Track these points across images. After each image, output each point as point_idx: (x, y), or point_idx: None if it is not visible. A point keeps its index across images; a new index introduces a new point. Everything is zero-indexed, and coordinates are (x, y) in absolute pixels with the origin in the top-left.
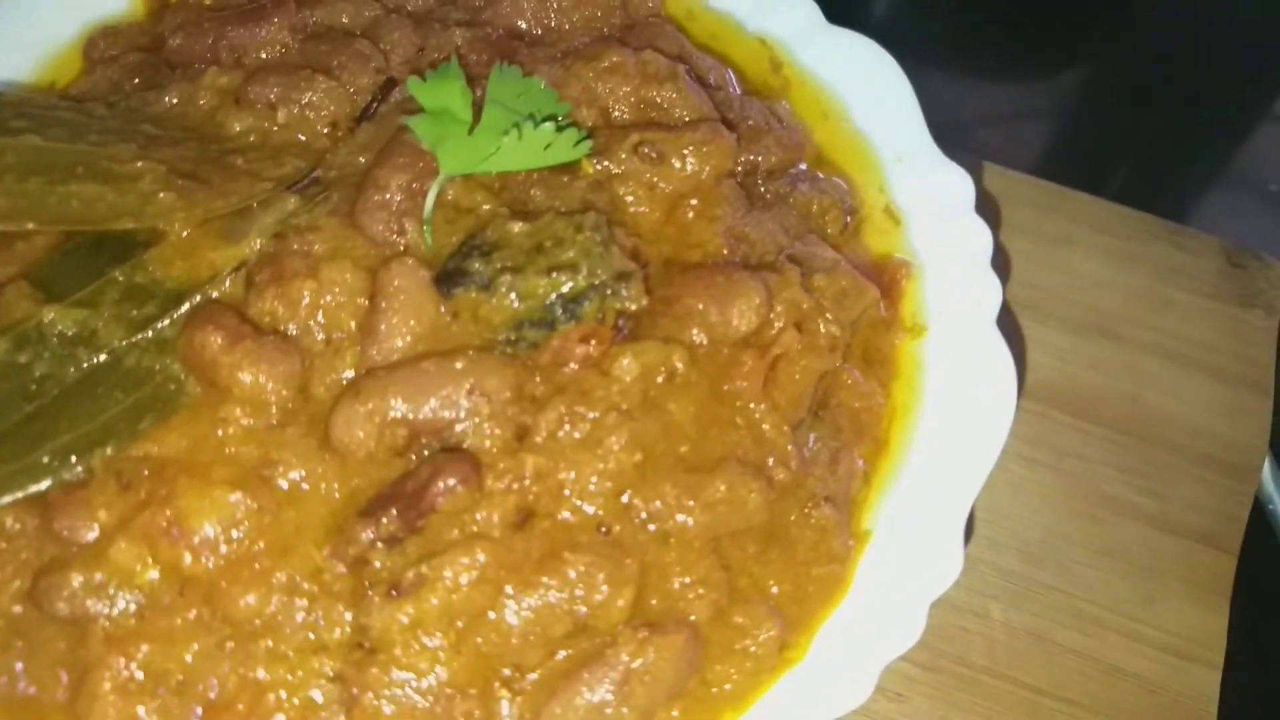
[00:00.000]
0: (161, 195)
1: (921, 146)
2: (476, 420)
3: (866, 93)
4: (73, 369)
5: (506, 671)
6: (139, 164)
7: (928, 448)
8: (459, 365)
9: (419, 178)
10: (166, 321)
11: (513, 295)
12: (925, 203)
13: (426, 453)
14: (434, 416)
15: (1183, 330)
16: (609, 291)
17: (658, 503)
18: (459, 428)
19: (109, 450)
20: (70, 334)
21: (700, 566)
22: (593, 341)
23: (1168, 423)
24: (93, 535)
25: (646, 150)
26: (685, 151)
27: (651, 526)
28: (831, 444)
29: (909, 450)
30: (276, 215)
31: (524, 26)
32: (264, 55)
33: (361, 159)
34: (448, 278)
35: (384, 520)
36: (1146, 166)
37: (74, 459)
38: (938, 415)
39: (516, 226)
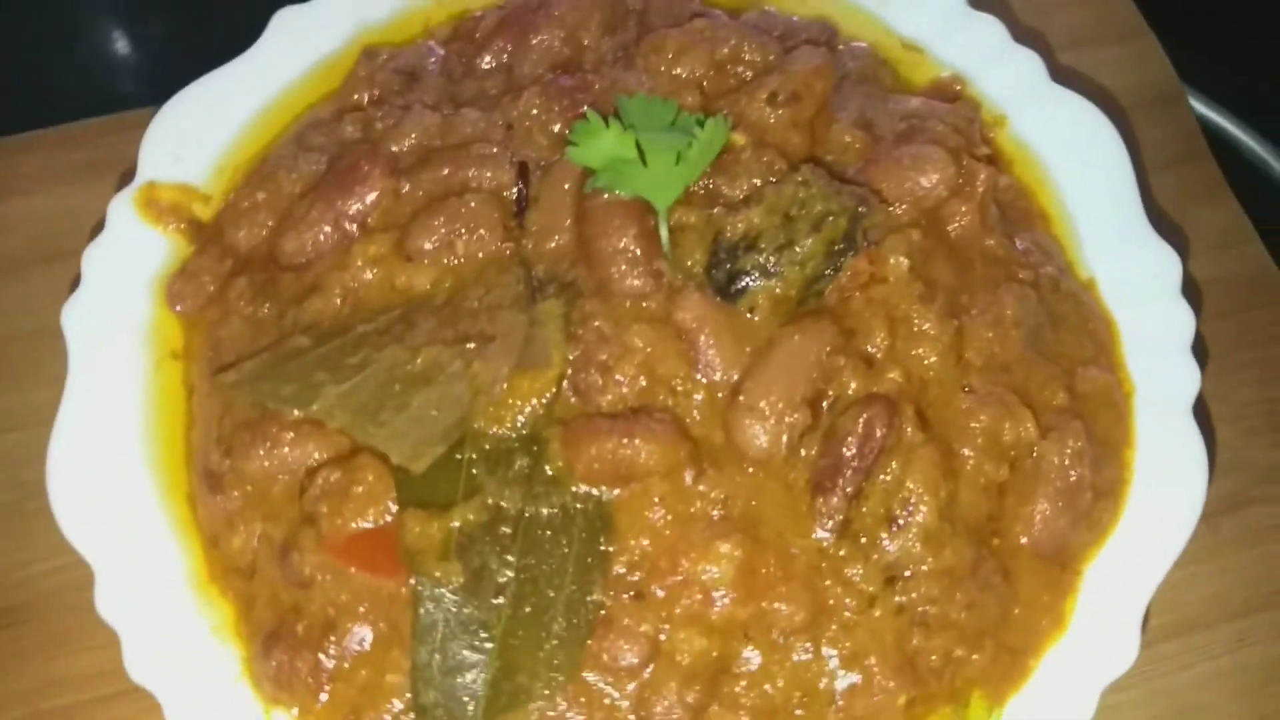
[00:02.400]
0: (474, 367)
1: None
2: (839, 371)
3: None
4: (511, 550)
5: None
6: (419, 359)
7: (1077, 195)
8: (797, 339)
9: (637, 225)
10: (542, 465)
11: (798, 266)
12: (923, 21)
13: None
14: (815, 389)
15: (1073, 38)
16: (861, 218)
17: (984, 346)
18: (832, 387)
19: (598, 580)
20: (486, 522)
21: (1040, 368)
22: (866, 261)
23: (1119, 94)
24: (644, 651)
25: (781, 98)
26: (808, 81)
27: (990, 364)
28: (1024, 236)
29: (1066, 206)
30: (552, 326)
31: (565, 55)
32: (378, 207)
33: (553, 241)
34: (728, 284)
35: (845, 484)
36: None
37: (583, 609)
38: (1065, 171)
39: (754, 214)
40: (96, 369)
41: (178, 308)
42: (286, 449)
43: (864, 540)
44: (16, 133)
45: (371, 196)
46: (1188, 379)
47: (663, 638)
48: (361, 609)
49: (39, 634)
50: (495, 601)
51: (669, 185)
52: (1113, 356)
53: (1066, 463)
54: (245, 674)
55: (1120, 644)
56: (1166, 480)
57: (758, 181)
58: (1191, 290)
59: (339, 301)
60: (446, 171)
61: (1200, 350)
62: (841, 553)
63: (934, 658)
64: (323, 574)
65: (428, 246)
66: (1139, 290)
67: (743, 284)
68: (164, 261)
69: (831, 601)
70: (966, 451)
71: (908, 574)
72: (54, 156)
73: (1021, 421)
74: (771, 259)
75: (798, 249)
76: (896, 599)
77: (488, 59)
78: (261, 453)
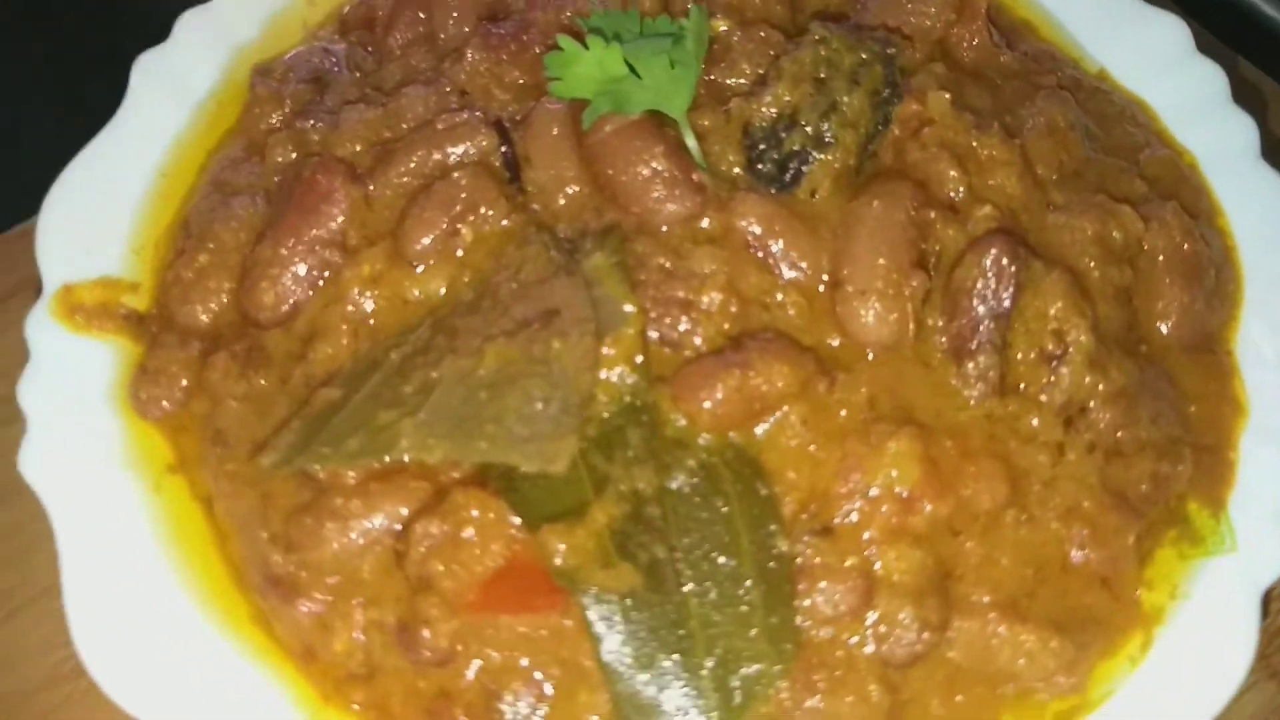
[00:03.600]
0: (555, 346)
1: None
2: (931, 226)
3: None
4: (670, 532)
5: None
6: (487, 360)
7: None
8: (877, 205)
9: (660, 142)
10: (660, 431)
11: (851, 128)
12: None
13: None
14: (919, 250)
15: None
16: (893, 59)
17: (1051, 156)
18: (930, 244)
19: (775, 529)
20: (630, 512)
21: (1107, 164)
22: (914, 102)
23: None
24: (859, 585)
25: None
26: None
27: (1063, 173)
28: (1022, 47)
29: (1047, 9)
30: (610, 281)
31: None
32: (353, 221)
33: (563, 195)
34: (780, 173)
35: (989, 336)
36: None
37: (774, 565)
38: None
39: (780, 90)
40: (86, 516)
41: (154, 415)
42: (362, 518)
43: (1026, 389)
44: None
45: (341, 211)
46: (1242, 128)
47: (878, 566)
48: (524, 663)
49: None
50: (684, 590)
51: (676, 91)
52: (1161, 134)
53: (1178, 241)
54: None
55: None
56: (1270, 231)
57: (759, 63)
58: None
59: (349, 339)
60: (417, 157)
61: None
62: (1010, 409)
63: (1143, 485)
64: (464, 641)
65: (427, 244)
66: (1154, 64)
67: (796, 166)
68: (114, 370)
69: (1023, 463)
70: (1088, 264)
71: (1084, 408)
72: None
73: (1124, 218)
74: (823, 127)
75: (844, 109)
76: (1085, 437)
77: (399, 36)
78: (334, 532)
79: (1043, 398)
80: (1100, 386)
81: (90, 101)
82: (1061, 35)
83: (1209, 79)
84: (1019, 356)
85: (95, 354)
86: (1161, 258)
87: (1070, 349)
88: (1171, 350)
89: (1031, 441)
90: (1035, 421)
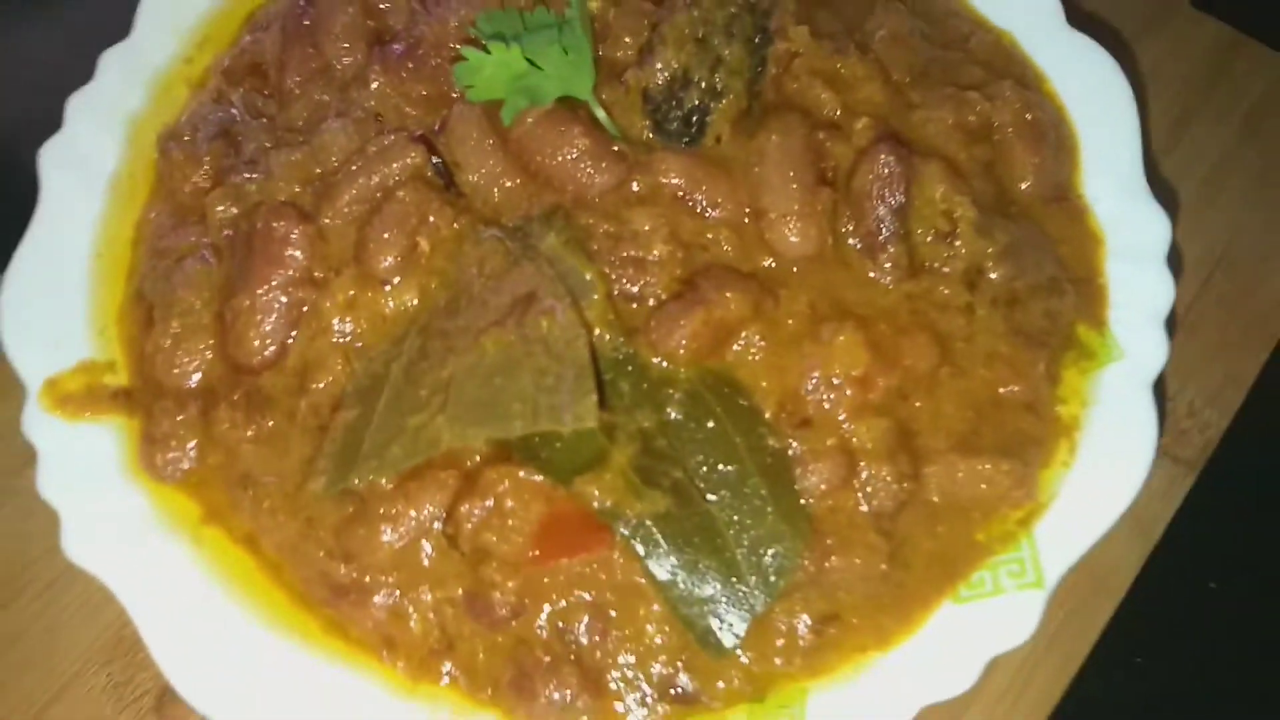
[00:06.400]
0: (544, 325)
1: None
2: (823, 145)
3: None
4: (681, 456)
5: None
6: (488, 350)
7: None
8: (776, 139)
9: (577, 124)
10: (648, 374)
11: (737, 76)
12: None
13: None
14: (819, 169)
15: None
16: (756, 7)
17: (901, 61)
18: (827, 162)
19: (763, 431)
20: (641, 449)
21: (946, 57)
22: (784, 40)
23: None
24: (842, 460)
25: None
26: None
27: (913, 74)
28: None
29: None
30: (568, 256)
31: (373, 27)
32: (313, 256)
33: (498, 189)
34: (686, 127)
35: (893, 227)
36: None
37: (771, 460)
38: None
39: (668, 56)
40: (144, 580)
41: (174, 478)
42: (409, 515)
43: (933, 265)
44: None
45: (302, 250)
46: (1045, 2)
47: (854, 440)
48: (586, 596)
49: None
50: (707, 499)
51: (579, 74)
52: (979, 21)
53: (1020, 112)
54: None
55: (1146, 221)
56: (1089, 79)
57: (638, 33)
58: None
59: (343, 364)
60: (359, 185)
61: None
62: (923, 285)
63: (1040, 321)
64: (529, 594)
65: (392, 262)
66: None
67: (699, 119)
68: (119, 446)
69: (945, 327)
70: (955, 149)
71: (981, 270)
72: None
73: (974, 103)
74: (714, 79)
75: (728, 59)
76: (988, 294)
77: (295, 75)
78: (388, 534)
79: (946, 270)
80: (990, 249)
81: None
82: None
83: None
84: (920, 240)
85: (96, 436)
86: (1011, 130)
87: (960, 224)
88: (1035, 205)
89: (947, 308)
90: (946, 291)
